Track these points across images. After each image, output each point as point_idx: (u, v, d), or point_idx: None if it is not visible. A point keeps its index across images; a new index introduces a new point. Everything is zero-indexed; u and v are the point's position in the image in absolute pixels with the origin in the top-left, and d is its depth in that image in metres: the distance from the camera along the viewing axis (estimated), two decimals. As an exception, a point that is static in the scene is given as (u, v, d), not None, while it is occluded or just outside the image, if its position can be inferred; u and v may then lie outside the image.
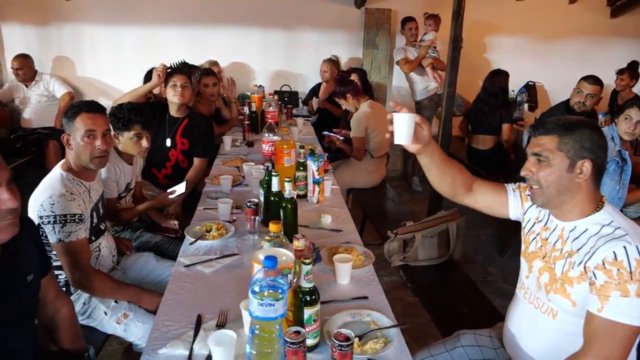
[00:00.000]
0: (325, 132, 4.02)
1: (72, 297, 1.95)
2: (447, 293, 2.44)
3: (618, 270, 1.23)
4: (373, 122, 3.67)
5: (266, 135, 2.80)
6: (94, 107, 2.04)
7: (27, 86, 4.97)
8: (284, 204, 2.01)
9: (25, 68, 4.89)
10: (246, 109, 4.43)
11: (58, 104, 5.06)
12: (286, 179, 2.02)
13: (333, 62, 5.05)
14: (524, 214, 1.60)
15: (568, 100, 3.54)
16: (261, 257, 1.30)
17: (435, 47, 5.09)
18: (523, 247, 1.61)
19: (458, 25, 2.96)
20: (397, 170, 5.71)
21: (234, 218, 2.28)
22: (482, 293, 2.50)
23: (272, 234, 1.32)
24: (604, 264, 1.25)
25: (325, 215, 2.29)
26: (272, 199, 2.10)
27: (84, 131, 1.97)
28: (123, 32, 5.32)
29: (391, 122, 1.48)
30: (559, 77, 6.03)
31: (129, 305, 2.00)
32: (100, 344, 2.00)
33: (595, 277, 1.27)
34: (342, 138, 3.94)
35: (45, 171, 4.81)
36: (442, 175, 1.63)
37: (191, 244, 2.00)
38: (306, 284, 1.33)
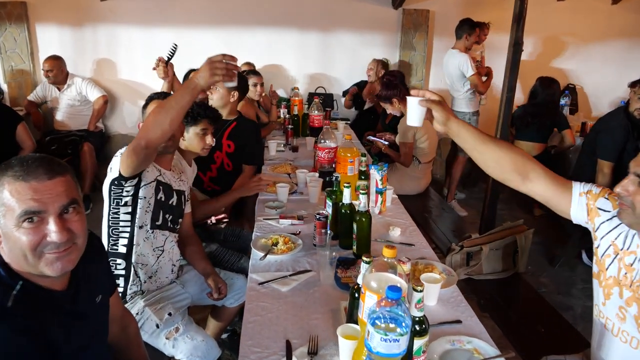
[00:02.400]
0: (371, 137, 3.91)
1: (125, 306, 1.87)
2: (521, 309, 2.32)
3: None
4: (421, 127, 3.55)
5: (322, 141, 2.69)
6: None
7: (59, 89, 4.93)
8: (358, 217, 1.91)
9: (56, 70, 4.81)
10: (282, 112, 4.37)
11: (92, 107, 5.01)
12: (362, 192, 1.92)
13: (382, 62, 4.94)
14: (595, 231, 1.44)
15: (627, 105, 3.39)
16: (374, 283, 1.20)
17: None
18: (596, 268, 1.46)
19: (519, 29, 2.84)
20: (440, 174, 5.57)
21: (299, 230, 2.19)
22: (554, 309, 2.38)
23: (387, 260, 1.22)
24: None
25: (395, 228, 2.18)
26: (343, 211, 2.00)
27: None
28: (157, 33, 5.25)
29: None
30: (599, 79, 5.87)
31: (182, 320, 1.93)
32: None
33: None
34: (387, 143, 3.83)
35: (79, 174, 4.79)
36: (483, 157, 1.49)
37: (261, 259, 1.91)
38: (417, 313, 1.22)
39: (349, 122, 4.54)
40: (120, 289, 1.90)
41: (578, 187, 1.44)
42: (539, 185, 1.47)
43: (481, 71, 4.63)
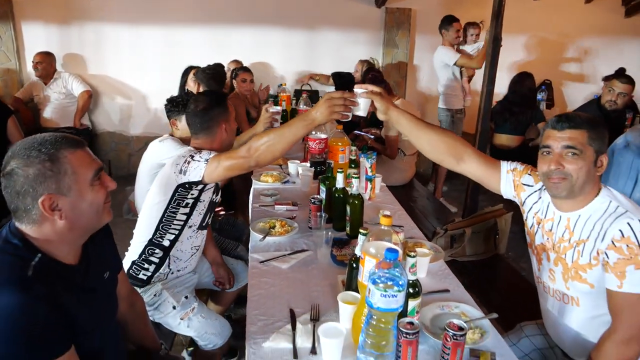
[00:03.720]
0: (357, 132, 4.05)
1: (142, 288, 1.97)
2: (502, 288, 2.48)
3: (627, 246, 1.32)
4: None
5: (313, 132, 2.82)
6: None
7: (45, 84, 4.96)
8: (351, 200, 2.04)
9: (45, 63, 4.87)
10: (273, 108, 4.47)
11: (77, 102, 5.06)
12: (354, 176, 2.05)
13: (367, 62, 5.10)
14: (522, 204, 1.64)
15: (599, 98, 3.58)
16: (373, 249, 1.33)
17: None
18: (528, 239, 1.66)
19: (498, 24, 3.01)
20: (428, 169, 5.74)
21: (294, 215, 2.31)
22: (533, 286, 2.53)
23: (384, 227, 1.35)
24: (613, 243, 1.34)
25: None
26: (337, 195, 2.12)
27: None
28: (145, 31, 5.31)
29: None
30: (573, 75, 6.11)
31: (197, 301, 2.04)
32: (170, 342, 2.03)
33: (607, 257, 1.35)
34: (372, 137, 3.97)
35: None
36: (417, 141, 1.71)
37: (261, 240, 2.03)
38: (411, 277, 1.36)
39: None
40: (147, 274, 1.97)
41: (505, 166, 1.65)
42: (471, 165, 1.66)
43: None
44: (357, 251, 1.48)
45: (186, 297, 2.01)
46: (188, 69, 3.73)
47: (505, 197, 1.68)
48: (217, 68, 3.47)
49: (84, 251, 1.32)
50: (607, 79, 4.18)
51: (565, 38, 5.95)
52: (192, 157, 1.84)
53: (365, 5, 5.49)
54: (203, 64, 4.22)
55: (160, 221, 1.94)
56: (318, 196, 2.16)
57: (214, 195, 2.03)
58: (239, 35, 5.38)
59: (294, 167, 2.86)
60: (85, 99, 5.04)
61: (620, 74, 3.50)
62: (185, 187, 1.87)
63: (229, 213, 2.81)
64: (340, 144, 2.49)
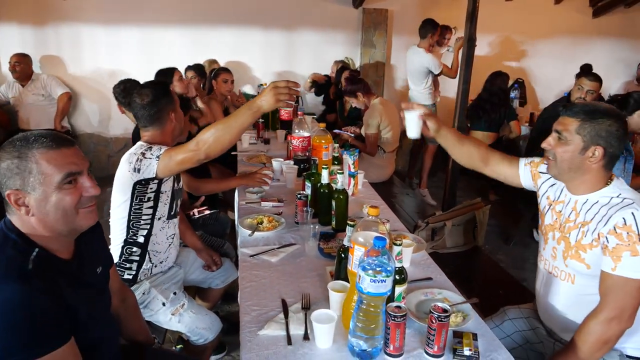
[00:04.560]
0: (337, 131, 4.12)
1: (131, 288, 2.00)
2: (481, 278, 2.58)
3: (627, 233, 1.42)
4: (385, 118, 3.81)
5: (296, 131, 2.88)
6: None
7: (22, 85, 4.90)
8: (336, 195, 2.11)
9: (23, 64, 4.82)
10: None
11: (56, 104, 5.01)
12: (339, 172, 2.12)
13: (342, 62, 5.20)
14: (538, 190, 1.78)
15: (569, 95, 3.73)
16: (361, 239, 1.40)
17: None
18: (540, 221, 1.78)
19: (473, 25, 3.12)
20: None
21: (281, 211, 2.36)
22: (510, 275, 2.66)
23: (371, 218, 1.42)
24: (615, 229, 1.44)
25: (367, 206, 2.39)
26: (322, 191, 2.19)
27: None
28: (123, 32, 5.29)
29: (403, 120, 1.85)
30: (544, 74, 6.32)
31: (187, 297, 2.08)
32: (162, 337, 2.06)
33: (607, 241, 1.45)
34: (352, 135, 4.05)
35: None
36: (459, 153, 1.94)
37: (250, 235, 2.08)
38: (397, 264, 1.43)
39: (315, 116, 4.74)
40: (132, 274, 2.01)
41: (523, 160, 1.84)
42: (495, 166, 1.89)
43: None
44: (346, 242, 1.55)
45: (175, 293, 2.05)
46: (160, 72, 3.69)
47: (527, 188, 1.84)
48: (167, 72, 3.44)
49: (76, 247, 1.36)
50: (578, 75, 4.38)
51: (536, 38, 6.15)
52: (143, 154, 1.87)
53: (343, 6, 5.58)
54: (182, 64, 4.24)
55: (129, 220, 1.97)
56: (304, 192, 2.23)
57: (176, 184, 2.08)
58: (217, 35, 5.41)
59: (278, 165, 2.92)
60: (65, 101, 4.99)
61: (588, 72, 3.65)
62: (142, 184, 1.91)
63: (213, 211, 2.85)
64: (323, 141, 2.56)
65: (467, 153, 1.92)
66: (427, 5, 5.63)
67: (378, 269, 1.26)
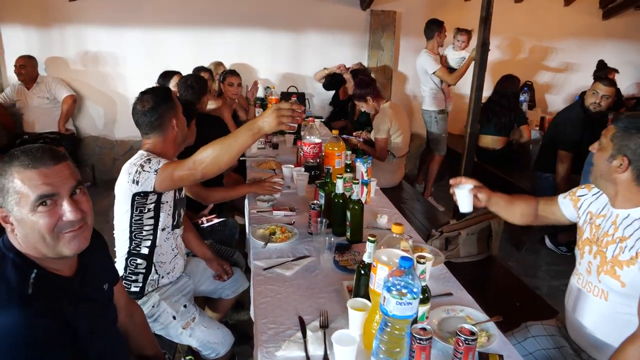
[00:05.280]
0: (344, 135, 4.06)
1: (140, 300, 1.96)
2: (497, 288, 2.52)
3: None
4: (395, 122, 3.76)
5: (307, 137, 2.82)
6: None
7: (28, 88, 4.86)
8: (351, 206, 2.05)
9: (29, 67, 4.80)
10: (257, 112, 4.48)
11: (60, 107, 4.96)
12: (354, 182, 2.07)
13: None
14: (579, 210, 1.75)
15: (582, 100, 3.68)
16: (384, 257, 1.35)
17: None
18: (577, 237, 1.73)
19: (486, 29, 3.06)
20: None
21: (293, 221, 2.31)
22: (526, 285, 2.60)
23: (394, 235, 1.37)
24: None
25: (383, 215, 2.34)
26: (337, 201, 2.13)
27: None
28: (126, 34, 5.24)
29: (453, 195, 1.89)
30: (553, 76, 6.25)
31: (196, 310, 2.03)
32: (172, 351, 2.01)
33: None
34: (361, 140, 4.00)
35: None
36: (512, 215, 1.95)
37: (263, 247, 2.03)
38: (421, 283, 1.38)
39: (323, 119, 4.69)
40: (138, 286, 1.96)
41: (561, 197, 1.84)
42: (543, 215, 1.89)
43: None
44: (367, 258, 1.50)
45: (185, 306, 2.00)
46: (167, 73, 3.65)
47: (572, 220, 1.81)
48: (199, 80, 3.33)
49: (79, 262, 1.30)
50: (595, 72, 4.37)
51: (545, 40, 6.08)
52: (142, 166, 1.80)
53: (351, 7, 5.52)
54: (187, 66, 4.19)
55: (131, 231, 1.92)
56: (317, 202, 2.17)
57: (177, 193, 2.02)
58: (222, 37, 5.36)
59: (288, 171, 2.87)
60: (70, 103, 4.95)
61: (603, 77, 3.60)
62: (141, 195, 1.85)
63: (221, 220, 2.80)
64: (336, 148, 2.51)
65: (519, 213, 1.93)
66: (436, 7, 5.57)
67: (404, 290, 1.21)
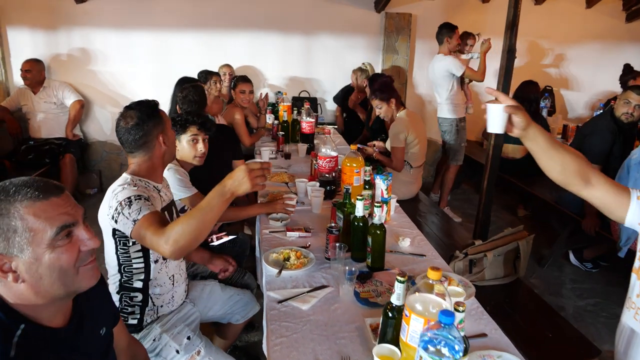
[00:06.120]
0: (359, 145, 3.90)
1: (141, 333, 1.82)
2: (526, 316, 2.35)
3: None
4: (412, 131, 3.59)
5: (323, 150, 2.66)
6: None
7: (34, 92, 4.74)
8: (373, 231, 1.89)
9: (34, 71, 4.68)
10: (269, 117, 4.34)
11: (68, 112, 4.84)
12: (376, 204, 1.90)
13: (361, 70, 4.97)
14: None
15: (611, 109, 3.48)
16: (419, 306, 1.19)
17: None
18: (637, 264, 1.49)
19: (513, 35, 2.87)
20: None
21: (308, 243, 2.15)
22: (558, 313, 2.43)
23: (431, 281, 1.20)
24: None
25: (405, 238, 2.18)
26: (356, 224, 1.97)
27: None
28: (135, 36, 5.12)
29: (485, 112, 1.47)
30: (574, 81, 6.04)
31: (201, 342, 1.88)
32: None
33: None
34: (377, 150, 3.83)
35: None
36: (549, 162, 1.50)
37: (277, 276, 1.87)
38: (460, 333, 1.21)
39: (336, 127, 4.53)
40: (136, 318, 1.82)
41: (636, 193, 1.48)
42: (599, 191, 1.49)
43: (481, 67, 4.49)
44: (395, 300, 1.33)
45: (189, 338, 1.85)
46: (183, 80, 3.52)
47: (627, 225, 1.50)
48: (199, 92, 3.15)
49: (74, 307, 1.16)
50: (622, 76, 4.18)
51: (565, 43, 5.88)
52: (122, 207, 1.61)
53: (365, 10, 5.36)
54: (197, 69, 4.06)
55: (119, 264, 1.77)
56: (336, 224, 2.01)
57: (167, 219, 1.83)
58: (233, 40, 5.22)
59: (302, 186, 2.71)
60: (77, 109, 4.83)
61: (635, 86, 3.40)
62: (121, 232, 1.68)
63: (232, 237, 2.64)
64: (354, 165, 2.35)
65: (560, 163, 1.48)
66: (452, 10, 5.39)
67: (443, 348, 1.05)
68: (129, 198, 1.62)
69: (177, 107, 3.09)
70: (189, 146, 2.38)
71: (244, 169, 1.49)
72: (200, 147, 2.39)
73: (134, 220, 1.58)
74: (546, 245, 4.07)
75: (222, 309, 2.22)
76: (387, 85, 3.70)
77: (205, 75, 3.89)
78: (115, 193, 1.66)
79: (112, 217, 1.64)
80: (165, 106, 4.66)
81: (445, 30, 4.49)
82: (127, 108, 1.83)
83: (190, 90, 3.04)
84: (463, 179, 5.49)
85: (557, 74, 5.98)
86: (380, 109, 3.67)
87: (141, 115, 1.79)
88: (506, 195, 5.15)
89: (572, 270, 3.85)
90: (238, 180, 1.49)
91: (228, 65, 5.00)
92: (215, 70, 4.49)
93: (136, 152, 1.82)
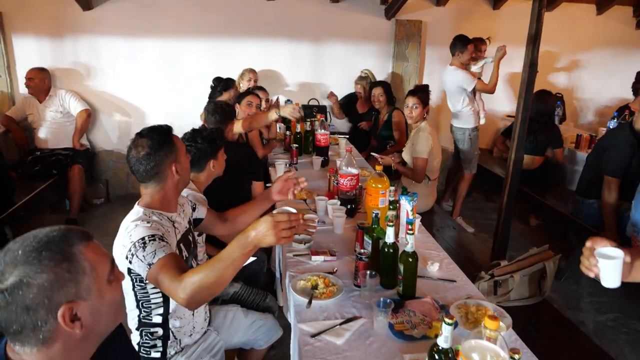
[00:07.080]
0: (374, 154, 3.85)
1: None
2: (552, 336, 2.30)
3: None
4: (434, 144, 3.60)
5: (344, 168, 2.61)
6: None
7: (40, 101, 4.67)
8: (405, 258, 1.84)
9: (37, 80, 4.59)
10: (279, 126, 4.28)
11: (74, 121, 4.77)
12: (409, 232, 1.85)
13: (361, 78, 4.98)
14: None
15: (631, 122, 3.43)
16: (476, 357, 1.13)
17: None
18: None
19: (535, 49, 2.82)
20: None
21: (335, 269, 2.10)
22: (585, 335, 2.39)
23: (490, 331, 1.15)
24: None
25: (434, 263, 2.12)
26: (386, 250, 1.92)
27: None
28: (143, 44, 5.05)
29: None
30: (585, 88, 6.00)
31: None
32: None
33: None
34: (398, 160, 3.79)
35: (67, 196, 4.53)
36: None
37: (307, 307, 1.81)
38: (514, 382, 1.16)
39: (347, 137, 4.46)
40: (159, 351, 1.77)
41: None
42: None
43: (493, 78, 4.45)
44: (442, 343, 1.28)
45: None
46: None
47: None
48: (223, 107, 3.07)
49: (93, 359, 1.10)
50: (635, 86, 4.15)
51: (576, 50, 5.83)
52: (136, 249, 1.53)
53: (375, 16, 5.30)
54: (206, 77, 4.00)
55: (137, 299, 1.70)
56: (365, 251, 1.95)
57: (184, 252, 1.77)
58: (242, 48, 5.15)
59: (323, 204, 2.66)
60: (84, 118, 4.76)
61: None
62: (136, 272, 1.60)
63: (254, 258, 2.59)
64: (379, 185, 2.30)
65: None
66: (463, 17, 5.34)
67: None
68: (142, 239, 1.54)
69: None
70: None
71: (270, 221, 1.40)
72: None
73: (149, 264, 1.51)
74: (562, 257, 4.02)
75: (245, 336, 2.17)
76: (427, 92, 3.70)
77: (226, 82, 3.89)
78: (129, 231, 1.58)
79: (126, 257, 1.56)
80: (185, 115, 4.61)
81: (459, 44, 4.43)
82: (139, 135, 1.74)
83: (217, 104, 3.03)
84: (474, 187, 5.44)
85: (568, 80, 5.94)
86: (416, 109, 3.62)
87: (153, 144, 1.70)
88: (517, 204, 5.09)
89: (589, 283, 3.80)
90: (262, 232, 1.40)
91: (252, 71, 4.87)
92: (231, 76, 4.43)
93: (148, 183, 1.74)
